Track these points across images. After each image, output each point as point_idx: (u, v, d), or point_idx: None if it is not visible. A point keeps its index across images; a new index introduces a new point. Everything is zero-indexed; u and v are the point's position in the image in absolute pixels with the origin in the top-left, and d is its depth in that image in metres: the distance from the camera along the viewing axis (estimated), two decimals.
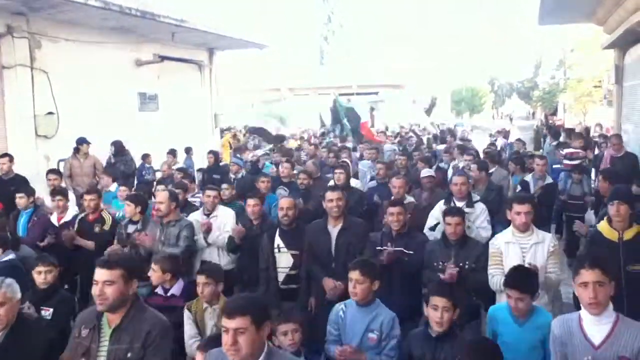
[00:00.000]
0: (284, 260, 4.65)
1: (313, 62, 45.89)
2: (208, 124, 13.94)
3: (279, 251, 4.66)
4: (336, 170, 6.50)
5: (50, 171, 7.23)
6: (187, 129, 12.37)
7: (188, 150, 12.02)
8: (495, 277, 3.94)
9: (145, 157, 10.30)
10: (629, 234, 4.01)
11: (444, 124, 26.89)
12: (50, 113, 9.03)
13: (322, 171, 8.10)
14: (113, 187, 7.42)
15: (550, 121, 25.63)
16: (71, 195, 6.74)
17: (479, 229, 5.09)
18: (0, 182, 6.95)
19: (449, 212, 4.36)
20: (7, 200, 6.24)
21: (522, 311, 3.31)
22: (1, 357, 2.94)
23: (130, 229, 5.36)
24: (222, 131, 14.81)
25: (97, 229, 5.59)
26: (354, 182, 7.11)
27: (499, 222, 5.40)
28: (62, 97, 9.15)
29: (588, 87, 24.91)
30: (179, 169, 8.57)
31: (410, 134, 17.14)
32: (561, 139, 12.35)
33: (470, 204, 5.28)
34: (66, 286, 5.29)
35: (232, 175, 8.54)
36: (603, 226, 4.16)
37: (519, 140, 12.65)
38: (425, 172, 6.74)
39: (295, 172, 7.54)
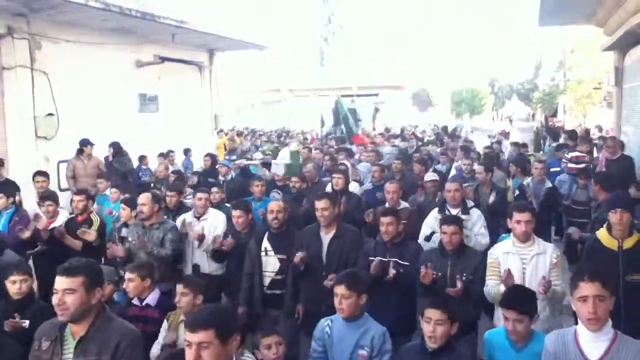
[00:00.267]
0: (271, 264, 4.55)
1: (313, 63, 45.92)
2: (208, 125, 13.95)
3: (266, 254, 4.57)
4: (334, 175, 6.34)
5: (38, 173, 6.93)
6: (187, 130, 12.36)
7: (187, 152, 12.00)
8: (491, 288, 3.77)
9: (142, 158, 10.25)
10: (628, 243, 3.87)
11: (437, 125, 26.88)
12: (50, 114, 9.03)
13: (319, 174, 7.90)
14: (109, 190, 7.29)
15: (550, 123, 25.65)
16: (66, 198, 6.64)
17: (477, 236, 4.97)
18: None
19: (444, 220, 4.22)
20: None
21: (520, 335, 3.05)
22: None
23: (124, 232, 5.28)
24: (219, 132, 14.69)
25: (85, 230, 5.46)
26: (353, 187, 6.97)
27: (503, 227, 5.27)
28: (62, 98, 9.16)
29: (588, 89, 24.92)
30: (174, 171, 8.50)
31: (412, 136, 17.04)
32: (561, 140, 12.33)
33: (466, 210, 5.12)
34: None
35: (221, 178, 8.46)
36: (602, 234, 4.01)
37: (515, 144, 12.49)
38: (429, 176, 6.61)
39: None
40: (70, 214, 6.01)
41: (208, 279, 5.13)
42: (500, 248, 3.95)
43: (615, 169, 7.85)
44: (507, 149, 12.96)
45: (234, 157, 10.91)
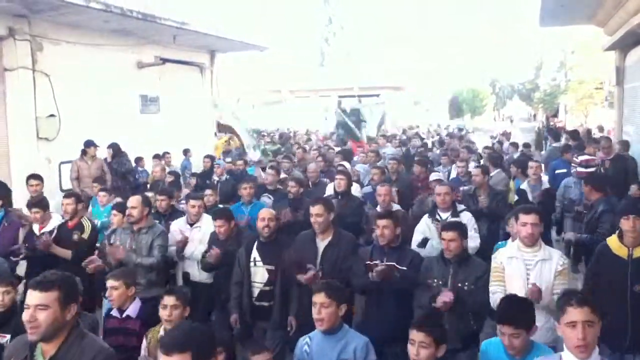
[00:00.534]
0: (260, 275, 4.36)
1: (314, 64, 45.92)
2: (209, 126, 13.96)
3: (255, 265, 4.38)
4: (337, 176, 6.18)
5: (31, 176, 6.57)
6: (188, 131, 12.38)
7: (186, 152, 11.95)
8: (496, 295, 3.57)
9: (139, 160, 10.18)
10: (639, 251, 3.70)
11: (439, 126, 26.83)
12: (51, 115, 9.04)
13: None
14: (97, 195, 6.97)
15: (552, 123, 25.62)
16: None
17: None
18: None
19: (443, 226, 4.08)
20: None
21: (517, 349, 2.87)
22: None
23: (115, 239, 5.02)
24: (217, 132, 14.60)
25: (75, 237, 5.23)
26: (353, 188, 6.71)
27: (503, 229, 5.24)
28: (63, 99, 9.17)
29: (589, 89, 24.92)
30: (170, 172, 8.36)
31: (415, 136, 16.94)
32: (562, 140, 12.32)
33: (456, 214, 5.03)
34: None
35: (215, 178, 8.35)
36: (612, 241, 3.84)
37: (514, 144, 12.39)
38: (434, 175, 6.56)
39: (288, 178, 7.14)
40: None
41: (198, 288, 5.04)
42: (505, 252, 3.82)
43: (610, 170, 7.84)
44: (510, 150, 12.91)
45: (228, 159, 10.71)
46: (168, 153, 10.75)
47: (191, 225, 5.27)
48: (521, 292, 3.48)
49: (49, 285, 2.41)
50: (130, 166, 9.69)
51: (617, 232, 3.87)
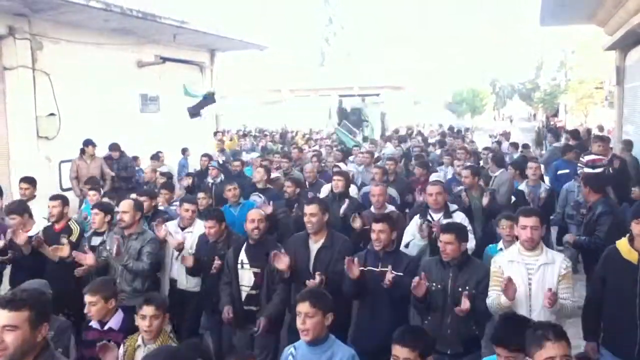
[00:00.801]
0: (247, 277, 4.24)
1: (314, 64, 45.95)
2: (209, 125, 13.96)
3: (242, 267, 4.26)
4: (335, 177, 5.99)
5: (22, 179, 6.31)
6: (188, 130, 12.37)
7: (184, 151, 11.89)
8: (492, 300, 3.48)
9: (134, 159, 10.12)
10: None
11: (441, 125, 26.77)
12: (51, 114, 9.03)
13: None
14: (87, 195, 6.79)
15: (552, 122, 25.63)
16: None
17: None
18: None
19: (441, 229, 3.89)
20: None
21: None
22: None
23: (95, 241, 4.90)
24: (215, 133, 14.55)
25: (63, 240, 5.00)
26: (353, 192, 6.55)
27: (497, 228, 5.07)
28: (63, 98, 9.16)
29: (589, 89, 24.93)
30: (163, 173, 8.12)
31: (418, 137, 16.81)
32: (562, 140, 12.31)
33: (448, 215, 4.91)
34: None
35: (210, 180, 8.09)
36: (622, 245, 3.63)
37: (513, 144, 12.34)
38: (435, 176, 6.50)
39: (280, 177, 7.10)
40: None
41: (185, 296, 4.92)
42: (505, 256, 3.68)
43: (616, 170, 7.63)
44: (510, 150, 12.89)
45: (223, 157, 10.66)
46: (161, 152, 10.53)
47: (183, 229, 5.10)
48: (522, 297, 3.43)
49: (20, 305, 2.22)
50: (133, 171, 9.67)
51: (627, 235, 3.65)
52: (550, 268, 3.46)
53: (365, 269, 3.86)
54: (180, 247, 4.86)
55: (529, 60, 54.92)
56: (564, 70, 36.89)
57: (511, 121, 48.71)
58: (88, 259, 4.48)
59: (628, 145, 9.24)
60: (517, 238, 3.73)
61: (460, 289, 3.61)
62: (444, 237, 3.71)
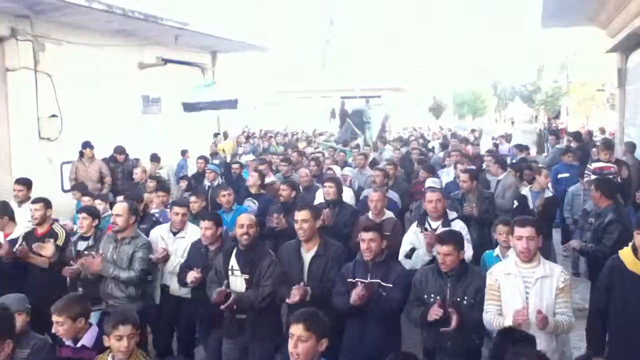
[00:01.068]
0: (238, 284, 4.02)
1: (315, 65, 45.95)
2: (211, 127, 13.96)
3: (232, 274, 4.04)
4: (325, 183, 5.77)
5: (17, 181, 6.16)
6: (190, 131, 12.38)
7: (184, 152, 11.83)
8: (491, 319, 3.35)
9: (136, 161, 9.94)
10: None
11: (449, 129, 26.68)
12: (53, 116, 9.05)
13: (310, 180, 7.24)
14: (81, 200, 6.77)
15: (553, 125, 25.62)
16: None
17: None
18: None
19: (438, 239, 3.70)
20: None
21: None
22: None
23: (81, 245, 4.76)
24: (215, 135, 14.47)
25: (48, 244, 4.89)
26: (347, 193, 6.39)
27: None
28: (65, 99, 9.17)
29: (591, 91, 24.92)
30: (152, 177, 7.94)
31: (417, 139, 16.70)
32: (564, 142, 12.28)
33: (447, 223, 4.75)
34: None
35: (207, 183, 7.99)
36: (626, 256, 3.50)
37: (518, 146, 12.27)
38: (430, 181, 6.33)
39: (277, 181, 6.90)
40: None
41: (179, 302, 4.80)
42: (501, 268, 3.50)
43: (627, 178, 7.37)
44: (509, 152, 12.85)
45: (216, 161, 10.44)
46: (155, 154, 10.36)
47: (174, 234, 4.93)
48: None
49: None
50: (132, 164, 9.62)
51: (630, 245, 3.52)
52: (549, 281, 3.32)
53: (354, 280, 3.67)
54: (164, 260, 4.71)
55: (531, 62, 54.91)
56: (566, 72, 36.90)
57: (512, 123, 48.62)
58: (95, 264, 4.35)
59: (631, 147, 9.17)
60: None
61: (459, 300, 3.49)
62: (443, 249, 3.55)
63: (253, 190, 6.71)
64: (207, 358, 4.62)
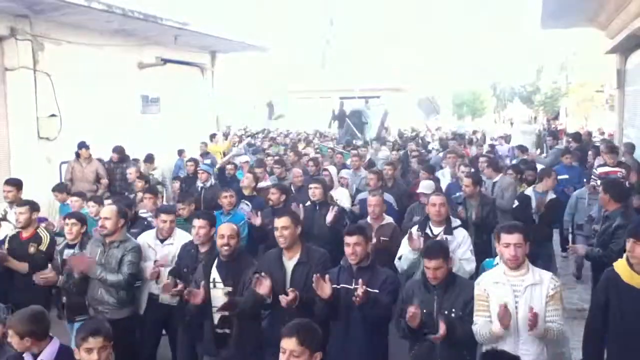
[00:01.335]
0: (220, 298, 3.80)
1: (315, 65, 45.94)
2: (210, 127, 13.96)
3: (214, 286, 3.83)
4: (311, 185, 5.63)
5: (6, 182, 5.97)
6: (189, 131, 12.38)
7: (180, 152, 11.72)
8: (480, 328, 3.23)
9: (135, 161, 9.86)
10: None
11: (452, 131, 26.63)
12: (52, 115, 9.03)
13: (305, 180, 7.14)
14: (69, 201, 6.56)
15: (552, 125, 25.64)
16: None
17: (461, 262, 4.32)
18: None
19: (426, 253, 3.50)
20: None
21: None
22: None
23: (67, 254, 4.62)
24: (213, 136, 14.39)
25: (31, 249, 4.77)
26: (341, 193, 6.25)
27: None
28: (64, 99, 9.16)
29: (590, 92, 24.95)
30: (140, 177, 7.67)
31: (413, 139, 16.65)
32: (563, 143, 12.29)
33: (449, 230, 4.54)
34: None
35: (199, 184, 7.83)
36: (621, 268, 3.35)
37: (519, 147, 12.24)
38: (425, 184, 6.14)
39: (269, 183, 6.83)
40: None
41: (167, 310, 4.62)
42: (489, 277, 3.37)
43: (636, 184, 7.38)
44: (509, 153, 12.85)
45: (207, 161, 10.27)
46: (151, 154, 10.26)
47: (162, 241, 4.73)
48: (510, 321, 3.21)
49: None
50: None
51: (624, 256, 3.34)
52: (538, 289, 3.21)
53: (339, 287, 3.55)
54: (157, 276, 4.52)
55: (530, 62, 54.93)
56: (565, 73, 36.94)
57: (512, 124, 48.64)
58: (83, 263, 4.23)
59: (630, 148, 9.12)
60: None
61: (447, 313, 3.35)
62: (432, 264, 3.39)
63: (247, 192, 6.63)
64: None
